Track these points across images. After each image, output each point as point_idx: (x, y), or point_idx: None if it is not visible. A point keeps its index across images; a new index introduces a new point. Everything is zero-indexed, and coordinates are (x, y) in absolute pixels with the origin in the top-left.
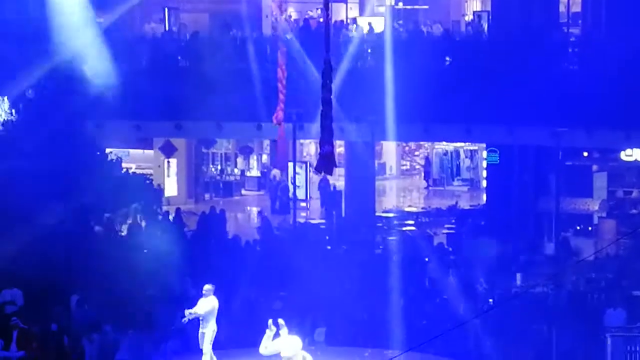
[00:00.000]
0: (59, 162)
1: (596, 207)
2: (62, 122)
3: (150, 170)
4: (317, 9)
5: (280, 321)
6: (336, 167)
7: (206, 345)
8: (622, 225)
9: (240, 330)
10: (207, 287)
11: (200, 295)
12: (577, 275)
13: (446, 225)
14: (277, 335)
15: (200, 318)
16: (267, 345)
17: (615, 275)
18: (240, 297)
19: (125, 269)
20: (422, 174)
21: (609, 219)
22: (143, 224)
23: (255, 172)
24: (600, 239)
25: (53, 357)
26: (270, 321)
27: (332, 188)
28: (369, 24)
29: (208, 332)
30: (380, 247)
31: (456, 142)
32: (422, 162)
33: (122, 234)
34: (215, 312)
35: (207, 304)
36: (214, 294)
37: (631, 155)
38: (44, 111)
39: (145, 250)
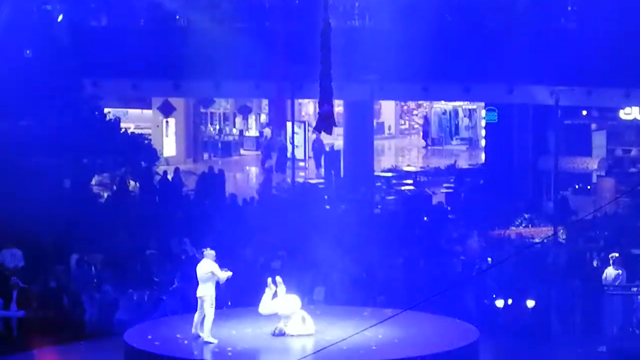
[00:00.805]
0: (57, 121)
1: (595, 166)
2: (60, 82)
3: (148, 130)
4: None
5: (279, 279)
6: (336, 126)
7: (208, 312)
8: (621, 184)
9: (239, 290)
10: (205, 250)
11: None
12: (576, 234)
13: (445, 185)
14: (276, 294)
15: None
16: (266, 304)
17: (614, 233)
18: (239, 256)
19: (124, 229)
20: (421, 133)
21: (608, 177)
22: (142, 183)
23: (254, 132)
24: (599, 198)
25: (53, 316)
26: (269, 280)
27: (327, 148)
28: None
29: (205, 298)
30: (379, 206)
31: (455, 101)
32: (421, 121)
33: (121, 193)
34: (212, 277)
35: (202, 267)
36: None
37: (630, 114)
38: (43, 70)
39: (143, 210)
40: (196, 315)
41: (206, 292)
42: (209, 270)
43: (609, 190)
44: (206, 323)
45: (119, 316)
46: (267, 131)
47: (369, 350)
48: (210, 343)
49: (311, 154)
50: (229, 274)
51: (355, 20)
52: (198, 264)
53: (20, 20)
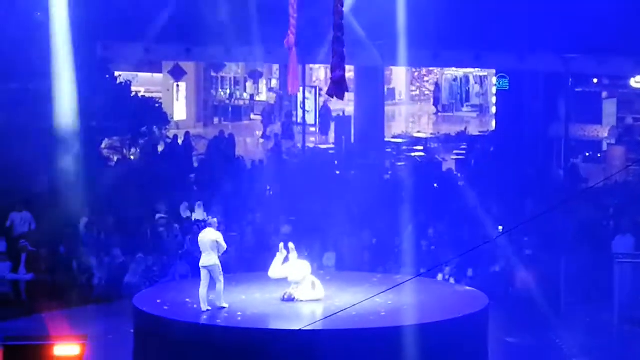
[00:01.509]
0: (68, 83)
1: (605, 134)
2: (71, 44)
3: (159, 94)
4: None
5: (291, 245)
6: (348, 91)
7: (218, 280)
8: (631, 152)
9: (250, 254)
10: (209, 219)
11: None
12: (587, 202)
13: (455, 151)
14: (286, 259)
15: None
16: (276, 268)
17: (624, 201)
18: (250, 221)
19: (134, 193)
20: (432, 100)
21: (618, 145)
22: (152, 147)
23: (264, 97)
24: (609, 166)
25: (62, 280)
26: (281, 245)
27: (334, 114)
28: None
29: (213, 267)
30: (389, 172)
31: (466, 67)
32: (432, 87)
33: (131, 157)
34: (216, 246)
35: (206, 236)
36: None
37: None
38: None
39: (153, 174)
40: (201, 290)
41: (212, 262)
42: (214, 239)
43: (619, 158)
44: (220, 290)
45: (128, 280)
46: (271, 96)
47: (378, 317)
48: (223, 308)
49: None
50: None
51: None
52: (200, 233)
53: None
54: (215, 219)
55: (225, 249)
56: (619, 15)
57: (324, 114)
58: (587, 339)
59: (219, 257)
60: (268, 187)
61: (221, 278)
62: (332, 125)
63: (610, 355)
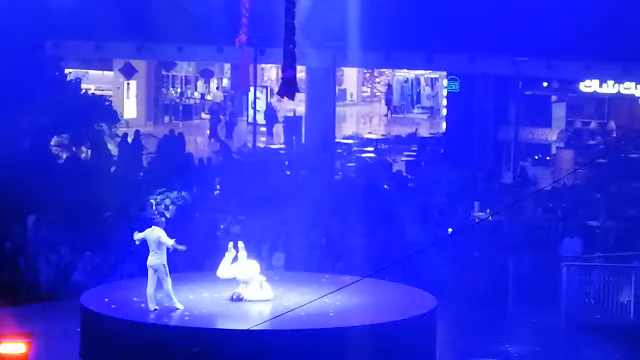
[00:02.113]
0: (18, 81)
1: (554, 137)
2: (20, 42)
3: (109, 92)
4: None
5: (240, 244)
6: (298, 92)
7: (165, 280)
8: (580, 156)
9: (199, 253)
10: (156, 218)
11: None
12: (535, 204)
13: (405, 153)
14: (235, 258)
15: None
16: (225, 268)
17: (572, 205)
18: (199, 220)
19: (83, 191)
20: (383, 101)
21: (567, 149)
22: (101, 145)
23: (215, 96)
24: (557, 169)
25: (8, 278)
26: (230, 244)
27: (281, 116)
28: None
29: (159, 267)
30: (340, 173)
31: (417, 69)
32: (383, 89)
33: (81, 155)
34: (161, 244)
35: (150, 234)
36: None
37: (590, 86)
38: (3, 30)
39: (103, 172)
40: (148, 289)
41: (158, 261)
42: (157, 237)
43: (567, 161)
44: (168, 290)
45: (75, 278)
46: (217, 94)
47: (326, 317)
48: (177, 308)
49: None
50: (183, 247)
51: None
52: (145, 231)
53: None
54: (162, 218)
55: (170, 245)
56: (569, 20)
57: (268, 114)
58: (534, 340)
59: (167, 254)
60: (217, 187)
61: (168, 278)
62: (281, 126)
63: (556, 355)
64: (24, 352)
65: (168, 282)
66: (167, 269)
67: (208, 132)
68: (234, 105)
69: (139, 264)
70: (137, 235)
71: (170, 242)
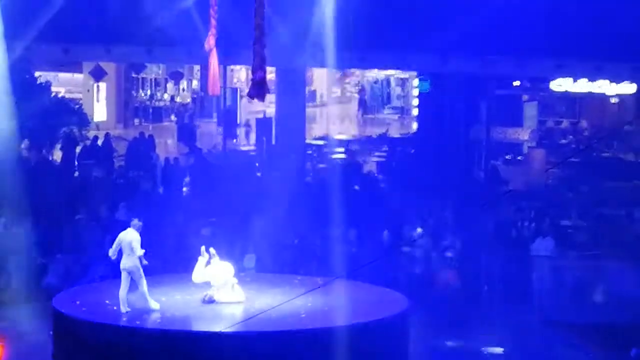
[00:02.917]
0: None
1: (526, 137)
2: None
3: (79, 95)
4: None
5: (212, 250)
6: (269, 93)
7: (140, 282)
8: (552, 155)
9: (170, 256)
10: (133, 221)
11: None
12: (507, 204)
13: (376, 153)
14: (209, 262)
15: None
16: (199, 272)
17: (544, 204)
18: (170, 223)
19: (54, 194)
20: (353, 102)
21: (539, 148)
22: (72, 148)
23: (185, 98)
24: (529, 168)
25: None
26: (203, 248)
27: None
28: None
29: (133, 269)
30: (310, 174)
31: (390, 69)
32: (353, 89)
33: (51, 158)
34: (132, 245)
35: (125, 237)
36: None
37: (561, 85)
38: None
39: (73, 175)
40: (121, 291)
41: (131, 264)
42: (129, 241)
43: (539, 161)
44: (143, 291)
45: (47, 280)
46: (185, 96)
47: (298, 318)
48: (153, 310)
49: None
50: (145, 262)
51: None
52: (120, 234)
53: None
54: (139, 222)
55: (140, 254)
56: (539, 18)
57: (226, 117)
58: (507, 339)
59: (139, 258)
60: (185, 189)
61: (142, 280)
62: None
63: (529, 353)
64: None
65: (143, 284)
66: (142, 271)
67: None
68: (203, 107)
69: (111, 267)
70: (111, 251)
71: (139, 252)
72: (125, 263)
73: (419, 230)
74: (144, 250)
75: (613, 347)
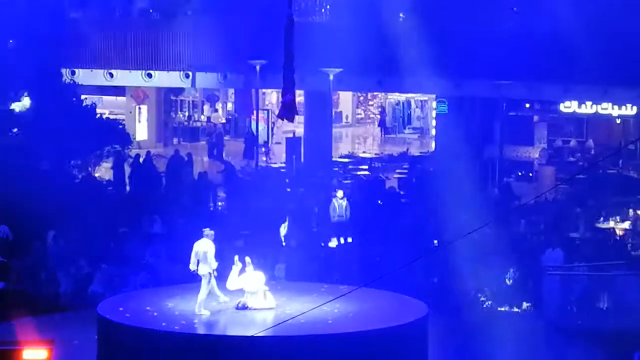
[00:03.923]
0: (40, 107)
1: (537, 155)
2: (40, 71)
3: (122, 116)
4: None
5: (247, 259)
6: (297, 114)
7: (202, 289)
8: (561, 172)
9: None
10: (205, 230)
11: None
12: (519, 218)
13: (397, 170)
14: (242, 270)
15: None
16: (233, 280)
17: (553, 218)
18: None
19: (99, 208)
20: (376, 123)
21: (548, 166)
22: (116, 166)
23: (221, 119)
24: (540, 184)
25: (31, 289)
26: (236, 257)
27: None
28: None
29: (203, 274)
30: (336, 189)
31: (408, 93)
32: (376, 111)
33: (96, 174)
34: (207, 255)
35: (199, 246)
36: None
37: (569, 107)
38: (25, 59)
39: (117, 191)
40: (200, 295)
41: (203, 271)
42: (204, 251)
43: (549, 177)
44: (199, 298)
45: (92, 289)
46: (216, 116)
47: (325, 324)
48: (200, 315)
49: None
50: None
51: (316, 16)
52: (195, 244)
53: (4, 12)
54: (211, 231)
55: (213, 267)
56: (549, 46)
57: (249, 138)
58: (518, 344)
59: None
60: (220, 204)
61: (204, 289)
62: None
63: (539, 358)
64: (45, 357)
65: (204, 291)
66: (209, 280)
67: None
68: (237, 127)
69: (152, 276)
70: (191, 263)
71: (213, 264)
72: (201, 270)
73: (435, 242)
74: (217, 263)
75: (617, 351)
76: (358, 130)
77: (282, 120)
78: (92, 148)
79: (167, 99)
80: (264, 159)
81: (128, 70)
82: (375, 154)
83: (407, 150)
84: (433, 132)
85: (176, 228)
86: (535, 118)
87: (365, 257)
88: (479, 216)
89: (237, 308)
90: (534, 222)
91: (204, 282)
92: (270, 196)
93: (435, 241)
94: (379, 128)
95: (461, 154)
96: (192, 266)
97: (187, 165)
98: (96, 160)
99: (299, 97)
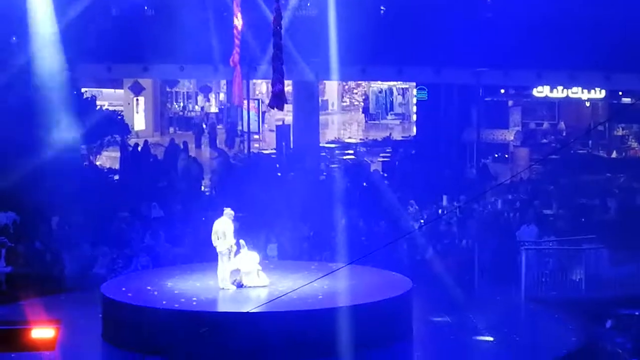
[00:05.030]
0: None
1: (512, 137)
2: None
3: (121, 107)
4: None
5: (242, 241)
6: (287, 103)
7: (223, 265)
8: (534, 153)
9: (203, 247)
10: (225, 210)
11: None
12: (496, 197)
13: (381, 154)
14: (238, 252)
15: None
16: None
17: (528, 196)
18: (202, 218)
19: (100, 194)
20: (361, 110)
21: (523, 147)
22: (115, 154)
23: (214, 109)
24: (515, 165)
25: (37, 272)
26: (242, 241)
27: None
28: None
29: (221, 251)
30: (324, 173)
31: (390, 81)
32: (360, 99)
33: (97, 162)
34: (226, 233)
35: (218, 225)
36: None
37: (542, 92)
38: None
39: (117, 177)
40: (219, 272)
41: (223, 247)
42: (223, 229)
43: (523, 158)
44: (220, 272)
45: (95, 271)
46: (207, 106)
47: (316, 299)
48: (226, 289)
49: (264, 128)
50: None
51: (303, 10)
52: (215, 222)
53: (7, 11)
54: (232, 211)
55: (229, 243)
56: (521, 34)
57: (230, 128)
58: (497, 315)
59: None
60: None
61: (225, 265)
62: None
63: (517, 329)
64: (53, 336)
65: (223, 267)
66: (224, 255)
67: (216, 140)
68: (229, 117)
69: (151, 258)
70: (213, 240)
71: (230, 241)
72: (220, 246)
73: (421, 221)
74: (234, 240)
75: (590, 320)
76: (343, 117)
77: (273, 109)
78: (93, 138)
79: (163, 90)
80: (257, 145)
81: (126, 63)
82: (360, 139)
83: (390, 135)
84: (414, 117)
85: (174, 212)
86: (510, 103)
87: (353, 236)
88: (458, 196)
89: (237, 285)
90: (510, 201)
91: (224, 259)
92: (262, 181)
93: (422, 220)
94: (363, 115)
95: (441, 137)
96: (213, 240)
97: (183, 153)
98: (97, 149)
99: (288, 87)
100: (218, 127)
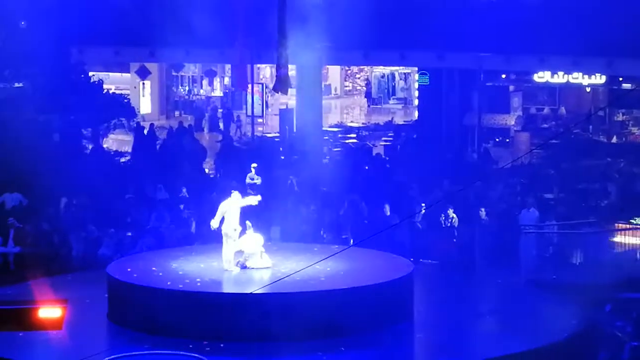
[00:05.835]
0: (51, 83)
1: (512, 122)
2: (51, 49)
3: (127, 91)
4: None
5: (248, 223)
6: (290, 87)
7: (228, 247)
8: (535, 138)
9: (207, 228)
10: (233, 192)
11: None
12: (497, 181)
13: (383, 138)
14: (243, 233)
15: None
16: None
17: (529, 180)
18: (207, 198)
19: (107, 176)
20: (363, 94)
21: (524, 132)
22: (122, 137)
23: (218, 93)
24: (516, 149)
25: (45, 252)
26: (248, 222)
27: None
28: None
29: (226, 232)
30: (327, 157)
31: (392, 66)
32: (363, 83)
33: (104, 145)
34: (230, 214)
35: (226, 206)
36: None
37: (543, 77)
38: (36, 39)
39: (123, 159)
40: (224, 253)
41: (227, 229)
42: (228, 209)
43: (524, 143)
44: (224, 254)
45: (101, 252)
46: (208, 90)
47: (318, 281)
48: (230, 270)
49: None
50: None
51: None
52: (222, 203)
53: None
54: (238, 193)
55: (233, 225)
56: (523, 19)
57: (225, 114)
58: (498, 297)
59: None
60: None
61: (230, 246)
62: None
63: (517, 310)
64: (60, 315)
65: (228, 248)
66: (229, 236)
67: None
68: (234, 100)
69: (156, 239)
70: (214, 222)
71: (234, 223)
72: (225, 227)
73: (423, 205)
74: (238, 226)
75: (590, 303)
76: (346, 101)
77: (277, 93)
78: (100, 121)
79: (169, 74)
80: (260, 129)
81: (132, 47)
82: (363, 123)
83: (392, 119)
84: (416, 102)
85: (178, 194)
86: (511, 88)
87: (354, 219)
88: (459, 179)
89: (236, 266)
90: (510, 185)
91: (229, 240)
92: (266, 164)
93: (423, 204)
94: (366, 99)
95: (442, 122)
96: (215, 224)
97: (188, 135)
98: (104, 132)
99: (291, 71)
100: (220, 110)
